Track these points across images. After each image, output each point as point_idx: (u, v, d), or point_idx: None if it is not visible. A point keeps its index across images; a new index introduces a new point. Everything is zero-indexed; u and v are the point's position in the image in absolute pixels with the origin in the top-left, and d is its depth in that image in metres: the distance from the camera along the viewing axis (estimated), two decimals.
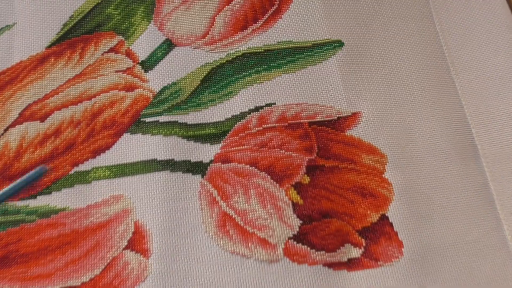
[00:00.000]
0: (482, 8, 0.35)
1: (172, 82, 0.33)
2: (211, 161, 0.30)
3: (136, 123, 0.31)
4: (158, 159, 0.30)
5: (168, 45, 0.34)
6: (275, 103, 0.32)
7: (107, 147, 0.31)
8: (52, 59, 0.33)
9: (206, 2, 0.35)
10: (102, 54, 0.33)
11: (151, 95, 0.32)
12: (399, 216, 0.29)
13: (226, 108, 0.32)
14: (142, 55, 0.33)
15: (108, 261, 0.28)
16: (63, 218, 0.29)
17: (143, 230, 0.29)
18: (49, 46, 0.34)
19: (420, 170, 0.31)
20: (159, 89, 0.32)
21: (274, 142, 0.31)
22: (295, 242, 0.28)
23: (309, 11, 0.35)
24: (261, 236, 0.28)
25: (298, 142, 0.31)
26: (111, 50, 0.34)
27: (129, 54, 0.34)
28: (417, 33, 0.35)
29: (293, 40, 0.34)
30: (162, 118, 0.32)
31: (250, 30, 0.34)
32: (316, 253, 0.28)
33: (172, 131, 0.31)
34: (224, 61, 0.33)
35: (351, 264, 0.28)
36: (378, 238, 0.29)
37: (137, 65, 0.33)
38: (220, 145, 0.31)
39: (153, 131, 0.31)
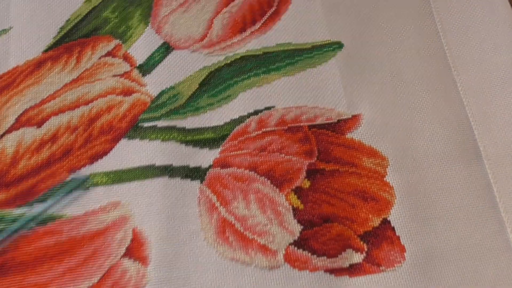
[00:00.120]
0: (483, 7, 0.35)
1: (170, 86, 0.32)
2: (210, 166, 0.30)
3: (133, 128, 0.31)
4: (156, 164, 0.30)
5: (166, 49, 0.34)
6: (274, 107, 0.32)
7: (105, 152, 0.31)
8: (49, 64, 0.33)
9: (204, 4, 0.35)
10: (99, 58, 0.33)
11: (149, 100, 0.32)
12: (401, 220, 0.29)
13: (224, 112, 0.32)
14: (139, 59, 0.33)
15: (106, 269, 0.28)
16: (60, 225, 0.29)
17: (141, 237, 0.28)
18: (46, 51, 0.33)
19: (422, 173, 0.30)
20: (157, 93, 0.32)
21: (274, 146, 0.30)
22: (295, 248, 0.28)
23: (308, 12, 0.35)
24: (261, 243, 0.28)
25: (298, 146, 0.31)
26: (108, 54, 0.33)
27: (126, 58, 0.33)
28: (417, 33, 0.34)
29: (292, 42, 0.34)
30: (160, 123, 0.31)
31: (249, 32, 0.34)
32: (317, 258, 0.28)
33: (170, 136, 0.31)
34: (223, 64, 0.33)
35: (353, 270, 0.28)
36: (380, 242, 0.28)
37: (135, 69, 0.33)
38: (219, 150, 0.31)
39: (151, 136, 0.31)
